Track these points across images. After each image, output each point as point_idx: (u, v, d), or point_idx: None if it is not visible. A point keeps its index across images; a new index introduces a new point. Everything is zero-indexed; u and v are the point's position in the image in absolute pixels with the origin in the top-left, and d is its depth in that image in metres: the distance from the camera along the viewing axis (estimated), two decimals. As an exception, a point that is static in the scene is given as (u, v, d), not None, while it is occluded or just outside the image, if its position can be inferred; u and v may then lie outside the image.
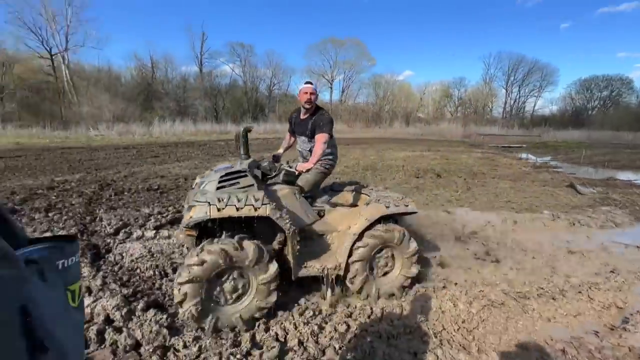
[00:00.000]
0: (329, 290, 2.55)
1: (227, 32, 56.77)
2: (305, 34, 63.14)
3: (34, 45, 25.08)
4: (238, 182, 2.28)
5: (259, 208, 2.11)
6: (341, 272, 2.52)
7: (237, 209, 2.07)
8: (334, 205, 2.89)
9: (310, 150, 2.90)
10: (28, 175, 6.92)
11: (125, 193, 5.61)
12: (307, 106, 2.78)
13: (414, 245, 2.69)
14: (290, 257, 2.31)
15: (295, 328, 2.22)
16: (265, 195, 2.21)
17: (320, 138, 2.70)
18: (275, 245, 2.45)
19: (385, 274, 2.72)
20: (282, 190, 2.59)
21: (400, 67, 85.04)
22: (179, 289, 2.01)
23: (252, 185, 2.29)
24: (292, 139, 3.06)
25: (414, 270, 2.71)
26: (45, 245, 0.51)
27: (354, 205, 2.92)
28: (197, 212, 2.05)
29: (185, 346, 1.96)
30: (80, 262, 0.57)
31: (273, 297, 2.23)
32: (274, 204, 2.21)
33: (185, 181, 6.90)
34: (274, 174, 2.66)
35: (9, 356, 0.39)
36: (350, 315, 2.41)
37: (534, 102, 52.58)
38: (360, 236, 2.57)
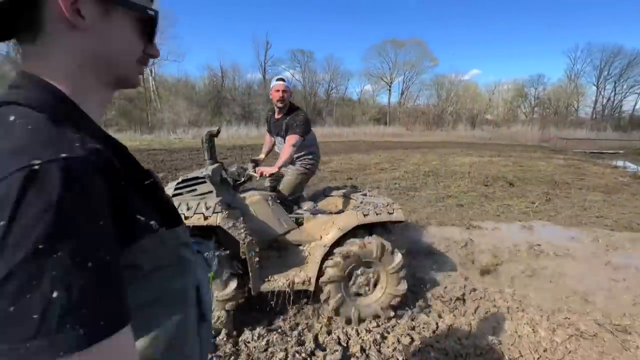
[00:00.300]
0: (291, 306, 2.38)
1: (289, 40, 59.33)
2: (364, 36, 62.95)
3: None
4: (195, 189, 2.18)
5: (209, 217, 2.00)
6: (310, 288, 2.29)
7: (186, 218, 1.96)
8: (317, 212, 2.67)
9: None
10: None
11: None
12: (280, 105, 2.63)
13: (398, 258, 2.38)
14: (249, 270, 2.14)
15: (357, 335, 2.22)
16: (221, 202, 2.08)
17: (290, 140, 2.55)
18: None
19: (366, 293, 2.43)
20: (252, 197, 2.45)
21: (466, 66, 79.89)
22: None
23: (211, 192, 2.16)
24: (272, 140, 2.86)
25: (402, 287, 2.40)
26: (196, 241, 0.62)
27: (341, 212, 2.72)
28: None
29: (254, 339, 2.09)
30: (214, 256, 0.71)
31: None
32: (228, 212, 2.08)
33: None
34: (242, 179, 2.58)
35: (192, 322, 0.50)
36: (413, 329, 2.32)
37: (635, 101, 44.70)
38: (331, 250, 2.35)
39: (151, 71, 30.23)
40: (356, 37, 64.48)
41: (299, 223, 2.58)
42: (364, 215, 2.39)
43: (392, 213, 2.47)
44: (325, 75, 43.28)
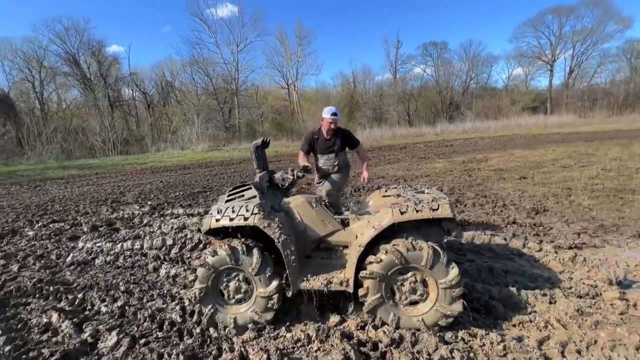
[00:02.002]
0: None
1: (422, 34, 56.67)
2: (512, 13, 53.61)
3: (278, 80, 34.44)
4: (243, 195, 2.39)
5: (248, 218, 2.18)
6: (349, 289, 2.25)
7: (231, 219, 2.20)
8: (364, 213, 2.58)
9: (337, 165, 3.40)
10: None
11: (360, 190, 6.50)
12: (331, 133, 3.27)
13: (453, 272, 2.10)
14: (286, 268, 2.24)
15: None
16: (260, 205, 2.24)
17: (363, 148, 3.50)
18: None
19: (413, 303, 2.22)
20: (296, 201, 2.53)
21: (681, 19, 56.56)
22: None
23: (254, 197, 2.34)
24: (305, 158, 3.27)
25: (457, 307, 2.10)
26: None
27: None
28: (204, 224, 2.30)
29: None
30: None
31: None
32: (264, 214, 2.20)
33: (407, 181, 7.28)
34: (286, 184, 2.71)
35: None
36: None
37: None
38: (371, 248, 2.24)
39: (294, 86, 34.57)
40: (500, 16, 55.68)
41: (345, 224, 2.52)
42: (401, 213, 2.17)
43: (436, 209, 2.12)
44: (461, 64, 39.17)
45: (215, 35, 29.89)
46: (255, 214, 2.23)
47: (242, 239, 2.36)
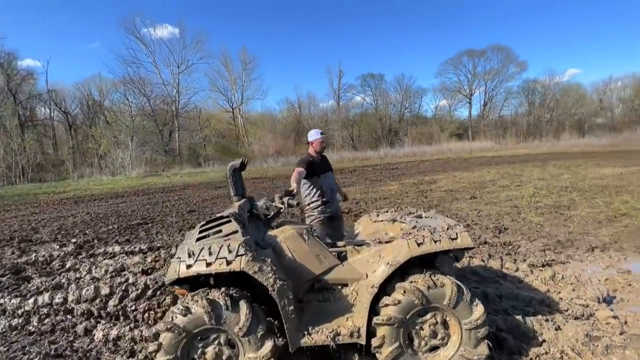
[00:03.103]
0: None
1: (361, 65, 60.82)
2: (437, 51, 61.07)
3: (222, 103, 33.43)
4: (220, 230, 2.00)
5: (232, 261, 1.77)
6: (360, 341, 1.91)
7: (208, 264, 1.77)
8: (361, 243, 2.32)
9: (335, 184, 3.48)
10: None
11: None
12: (322, 152, 3.40)
13: (478, 311, 1.90)
14: (284, 322, 1.84)
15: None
16: (246, 243, 1.84)
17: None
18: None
19: (434, 349, 1.96)
20: (285, 232, 2.18)
21: (561, 66, 70.57)
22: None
23: (235, 232, 1.95)
24: (300, 179, 3.12)
25: (482, 350, 1.90)
26: None
27: (389, 241, 2.25)
28: (169, 271, 1.84)
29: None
30: None
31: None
32: (253, 254, 1.80)
33: (362, 205, 7.22)
34: (272, 213, 2.37)
35: None
36: None
37: None
38: (384, 288, 1.94)
39: (239, 110, 33.86)
40: (427, 53, 63.09)
41: (342, 258, 2.27)
42: (418, 244, 1.98)
43: (455, 238, 2.00)
44: (396, 95, 42.81)
45: (153, 54, 28.07)
46: (241, 255, 1.82)
47: (223, 289, 1.89)
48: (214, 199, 9.55)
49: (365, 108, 43.27)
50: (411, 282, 1.97)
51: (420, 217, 2.63)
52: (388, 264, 2.00)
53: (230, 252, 1.82)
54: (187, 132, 28.47)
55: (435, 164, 18.48)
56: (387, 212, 2.89)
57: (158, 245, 4.90)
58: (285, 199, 2.39)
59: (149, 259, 4.24)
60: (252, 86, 37.39)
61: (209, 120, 30.89)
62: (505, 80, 42.26)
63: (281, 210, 2.48)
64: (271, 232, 2.32)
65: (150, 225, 6.41)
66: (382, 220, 2.73)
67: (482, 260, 3.87)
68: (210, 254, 1.82)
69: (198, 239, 2.00)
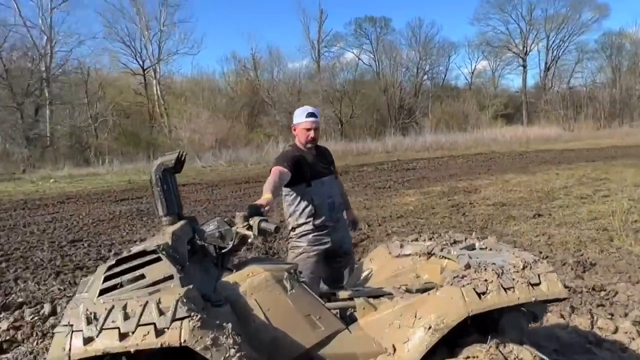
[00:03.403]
0: None
1: (354, 4, 61.69)
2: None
3: (126, 61, 32.83)
4: (142, 276, 1.94)
5: (165, 330, 1.73)
6: None
7: (122, 336, 1.72)
8: (380, 293, 2.39)
9: (342, 194, 3.67)
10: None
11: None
12: (310, 145, 3.34)
13: None
14: None
15: None
16: (189, 298, 1.80)
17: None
18: None
19: None
20: (253, 278, 2.17)
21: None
22: None
23: (169, 277, 1.93)
24: (279, 185, 3.16)
25: None
26: None
27: (425, 290, 2.31)
28: (52, 351, 1.78)
29: None
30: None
31: None
32: (202, 317, 1.78)
33: (364, 230, 7.24)
34: (230, 244, 2.32)
35: None
36: None
37: None
38: None
39: (155, 73, 33.37)
40: (455, -12, 65.08)
41: (348, 319, 2.31)
42: (479, 295, 2.00)
43: (537, 284, 2.05)
44: (411, 52, 43.85)
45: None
46: (181, 318, 1.76)
47: None
48: (114, 219, 9.31)
49: (361, 72, 44.17)
50: (468, 358, 1.96)
51: (472, 248, 2.65)
52: (430, 328, 1.97)
53: (161, 313, 1.78)
54: (66, 108, 27.81)
55: (474, 161, 18.90)
56: (416, 240, 2.91)
57: (19, 300, 4.76)
58: (255, 221, 2.30)
59: (2, 325, 4.11)
60: (177, 34, 37.18)
61: (104, 88, 30.18)
62: (576, 32, 44.34)
63: (247, 241, 2.42)
64: (228, 278, 2.27)
65: (4, 266, 6.15)
66: (409, 255, 2.77)
67: (562, 316, 3.94)
68: (126, 317, 1.78)
69: (103, 292, 1.92)
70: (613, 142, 25.51)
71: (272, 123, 32.73)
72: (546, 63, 45.96)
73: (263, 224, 2.26)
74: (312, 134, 3.31)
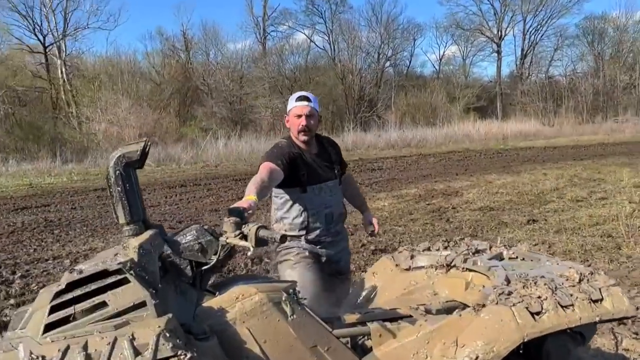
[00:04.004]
0: None
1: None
2: (435, -41, 64.88)
3: (21, 35, 31.39)
4: (103, 303, 1.87)
5: None
6: None
7: None
8: (397, 316, 2.41)
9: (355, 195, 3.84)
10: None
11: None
12: (304, 138, 3.28)
13: None
14: None
15: None
16: (169, 331, 1.76)
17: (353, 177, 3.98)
18: None
19: None
20: (243, 302, 2.12)
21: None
22: None
23: (142, 304, 1.86)
24: (267, 185, 3.01)
25: None
26: None
27: (447, 309, 2.37)
28: None
29: None
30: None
31: None
32: (186, 354, 1.73)
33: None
34: (213, 259, 2.22)
35: None
36: None
37: None
38: None
39: (59, 52, 32.05)
40: (419, -39, 66.68)
41: (358, 348, 2.33)
42: (534, 315, 2.01)
43: (599, 300, 2.09)
44: (371, 35, 44.52)
45: None
46: (167, 359, 1.69)
47: None
48: (16, 233, 8.79)
49: (314, 56, 44.39)
50: None
51: (500, 257, 2.66)
52: (477, 358, 1.93)
53: (138, 353, 1.66)
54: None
55: (448, 160, 19.49)
56: (428, 249, 2.90)
57: None
58: (251, 229, 2.13)
59: None
60: (87, 4, 35.91)
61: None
62: (556, 15, 46.54)
63: (235, 254, 2.31)
64: (211, 302, 2.16)
65: None
66: (422, 267, 2.76)
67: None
68: (87, 357, 1.65)
69: (50, 327, 1.76)
70: (599, 138, 27.04)
71: (208, 115, 32.17)
72: (522, 49, 47.96)
73: (262, 232, 2.11)
74: (303, 120, 3.23)
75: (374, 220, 3.62)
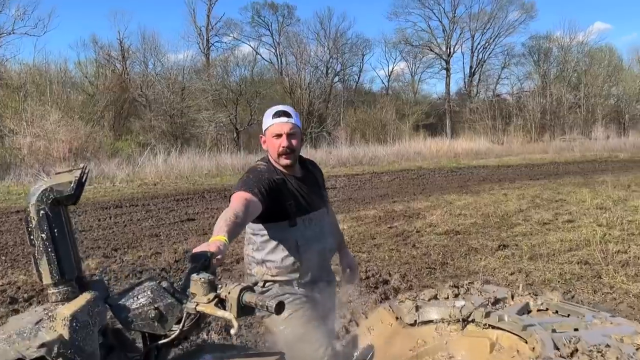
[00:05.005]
0: None
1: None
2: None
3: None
4: None
5: None
6: None
7: None
8: None
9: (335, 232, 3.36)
10: None
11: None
12: (287, 161, 2.92)
13: None
14: None
15: None
16: None
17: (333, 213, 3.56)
18: None
19: None
20: None
21: (584, 19, 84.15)
22: None
23: None
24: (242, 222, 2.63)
25: None
26: None
27: None
28: None
29: None
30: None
31: None
32: None
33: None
34: (175, 329, 1.80)
35: None
36: None
37: None
38: None
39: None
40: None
41: None
42: None
43: None
44: (319, 49, 44.74)
45: None
46: None
47: None
48: None
49: (261, 69, 44.17)
50: None
51: (527, 310, 2.36)
52: None
53: None
54: None
55: (402, 179, 19.54)
56: (435, 297, 2.59)
57: None
58: (232, 292, 1.56)
59: None
60: (12, 7, 34.39)
61: None
62: (503, 33, 48.34)
63: (202, 321, 1.76)
64: None
65: None
66: (431, 322, 2.44)
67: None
68: None
69: None
70: (549, 157, 28.09)
71: (146, 129, 31.33)
72: (471, 67, 49.57)
73: (248, 297, 1.59)
74: (284, 141, 2.86)
75: (354, 264, 3.44)
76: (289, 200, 2.90)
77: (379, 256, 7.60)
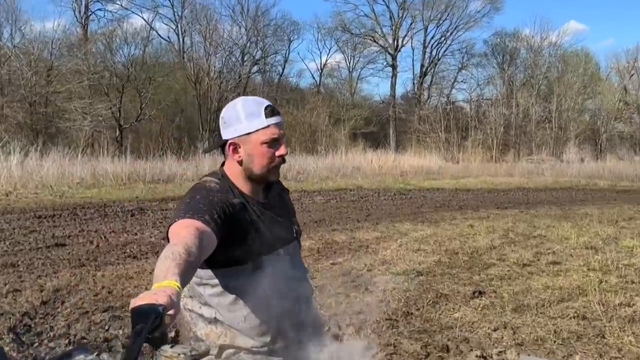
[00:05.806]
0: None
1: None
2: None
3: None
4: None
5: None
6: None
7: None
8: None
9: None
10: None
11: None
12: (275, 177, 2.91)
13: None
14: None
15: None
16: None
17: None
18: None
19: None
20: None
21: (559, 16, 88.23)
22: None
23: None
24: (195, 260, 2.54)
25: None
26: None
27: None
28: None
29: None
30: None
31: None
32: None
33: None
34: None
35: None
36: None
37: None
38: None
39: None
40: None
41: None
42: None
43: None
44: (234, 29, 44.44)
45: None
46: None
47: None
48: None
49: (157, 50, 43.36)
50: None
51: None
52: None
53: None
54: None
55: (340, 200, 19.71)
56: None
57: None
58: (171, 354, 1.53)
59: None
60: None
61: None
62: (462, 27, 49.84)
63: None
64: None
65: None
66: None
67: None
68: None
69: None
70: (516, 181, 29.04)
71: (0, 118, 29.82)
72: (422, 66, 50.69)
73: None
74: (282, 149, 2.67)
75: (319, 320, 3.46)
76: (251, 233, 2.66)
77: (323, 303, 7.34)
